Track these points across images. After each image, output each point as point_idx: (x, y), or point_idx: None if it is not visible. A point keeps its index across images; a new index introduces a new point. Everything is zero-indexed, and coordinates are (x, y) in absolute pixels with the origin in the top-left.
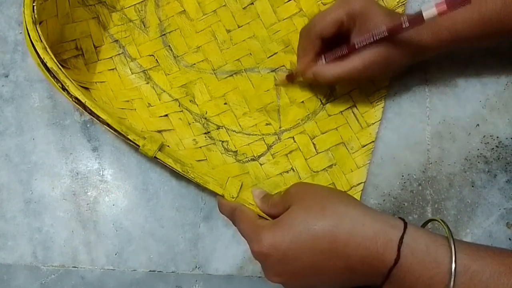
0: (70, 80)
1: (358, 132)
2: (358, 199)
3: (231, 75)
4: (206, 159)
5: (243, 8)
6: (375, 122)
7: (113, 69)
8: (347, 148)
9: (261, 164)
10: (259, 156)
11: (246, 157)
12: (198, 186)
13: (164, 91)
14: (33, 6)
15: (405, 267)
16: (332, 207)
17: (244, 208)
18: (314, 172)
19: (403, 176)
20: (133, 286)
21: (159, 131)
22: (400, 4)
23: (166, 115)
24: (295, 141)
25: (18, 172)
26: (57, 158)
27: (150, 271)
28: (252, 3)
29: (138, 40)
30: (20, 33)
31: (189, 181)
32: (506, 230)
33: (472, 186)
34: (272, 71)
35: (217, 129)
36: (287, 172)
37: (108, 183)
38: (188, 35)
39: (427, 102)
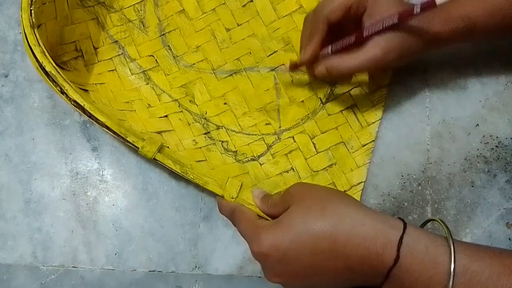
0: (69, 84)
1: (358, 132)
2: (358, 198)
3: (231, 74)
4: (206, 160)
5: (243, 6)
6: (375, 121)
7: (113, 70)
8: (347, 148)
9: (261, 164)
10: (259, 156)
11: (246, 157)
12: (198, 186)
13: (164, 91)
14: (31, 10)
15: (405, 267)
16: (332, 208)
17: (244, 209)
18: (314, 171)
19: (403, 176)
20: (133, 286)
21: (159, 132)
22: None
23: (166, 116)
24: (295, 141)
25: (18, 172)
26: (57, 158)
27: (150, 271)
28: (252, 1)
29: (137, 41)
30: (20, 33)
31: (188, 181)
32: (506, 230)
33: (472, 186)
34: (272, 70)
35: (217, 129)
36: (287, 172)
37: (108, 183)
38: (188, 35)
39: (427, 102)
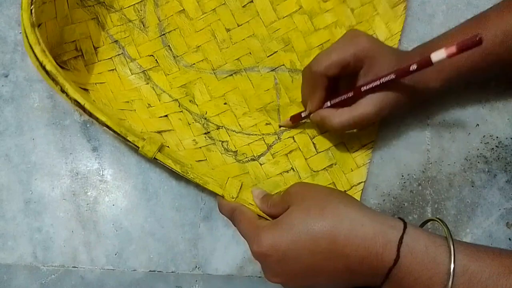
0: (69, 83)
1: (358, 132)
2: (358, 198)
3: (231, 74)
4: (206, 159)
5: (243, 7)
6: (376, 121)
7: (113, 69)
8: (347, 148)
9: (261, 164)
10: (259, 156)
11: (246, 157)
12: (198, 186)
13: (164, 91)
14: (31, 10)
15: (405, 267)
16: (332, 208)
17: (244, 209)
18: (314, 171)
19: (403, 176)
20: (133, 286)
21: (159, 132)
22: (401, 0)
23: (166, 116)
24: (295, 141)
25: (18, 172)
26: (57, 158)
27: (150, 271)
28: (252, 1)
29: (137, 40)
30: (20, 33)
31: (189, 181)
32: (506, 230)
33: (472, 186)
34: (272, 70)
35: (217, 129)
36: (287, 172)
37: (108, 183)
38: (188, 35)
39: (427, 102)
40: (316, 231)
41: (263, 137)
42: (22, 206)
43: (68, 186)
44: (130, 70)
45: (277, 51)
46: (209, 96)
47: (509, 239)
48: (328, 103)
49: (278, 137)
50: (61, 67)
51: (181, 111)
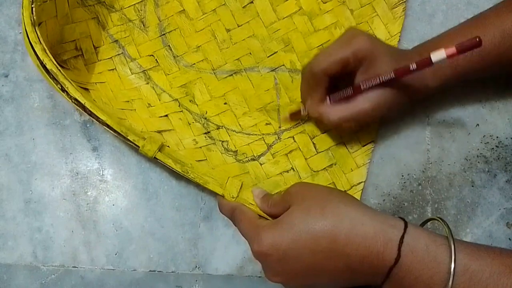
0: (70, 82)
1: (358, 132)
2: (359, 198)
3: (231, 74)
4: (206, 159)
5: (243, 7)
6: (375, 121)
7: (113, 69)
8: (347, 148)
9: (261, 164)
10: (259, 156)
11: (246, 157)
12: (198, 186)
13: (164, 91)
14: (32, 8)
15: (405, 267)
16: (332, 207)
17: (244, 208)
18: (314, 171)
19: (403, 176)
20: (133, 286)
21: (159, 132)
22: (401, 1)
23: (166, 115)
24: (295, 141)
25: (18, 172)
26: (57, 158)
27: (150, 271)
28: (252, 2)
29: (137, 40)
30: (20, 33)
31: (189, 180)
32: (506, 230)
33: (472, 186)
34: (272, 70)
35: (217, 129)
36: (287, 171)
37: (108, 183)
38: (188, 35)
39: (427, 102)
40: (316, 230)
41: (263, 137)
42: (22, 206)
43: (68, 186)
44: (130, 69)
45: (277, 52)
46: (209, 96)
47: (509, 239)
48: (328, 100)
49: (278, 137)
50: (61, 66)
51: (181, 111)
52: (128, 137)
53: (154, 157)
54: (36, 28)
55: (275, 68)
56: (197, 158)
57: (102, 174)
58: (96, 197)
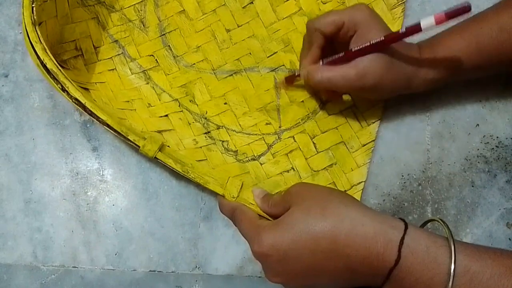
0: (70, 81)
1: (358, 131)
2: (359, 198)
3: (231, 74)
4: (207, 159)
5: (243, 8)
6: (375, 121)
7: (113, 69)
8: (347, 147)
9: (261, 164)
10: (260, 156)
11: (247, 157)
12: (198, 186)
13: (164, 91)
14: (32, 8)
15: (406, 268)
16: (332, 208)
17: (245, 208)
18: (314, 171)
19: (403, 176)
20: (133, 286)
21: (159, 131)
22: (400, 2)
23: (166, 115)
24: (295, 141)
25: (18, 172)
26: (57, 158)
27: (150, 271)
28: (252, 2)
29: (137, 40)
30: (20, 33)
31: (189, 181)
32: (506, 230)
33: (472, 186)
34: (271, 70)
35: (217, 129)
36: (288, 171)
37: (108, 183)
38: (188, 35)
39: (427, 102)
40: (317, 231)
41: (263, 137)
42: (22, 206)
43: (68, 186)
44: (130, 69)
45: (277, 52)
46: (209, 96)
47: (509, 239)
48: (320, 62)
49: (278, 137)
50: (61, 66)
51: (181, 111)
52: (129, 137)
53: (155, 157)
54: (37, 27)
55: (275, 68)
56: (197, 158)
57: (102, 174)
58: (96, 197)
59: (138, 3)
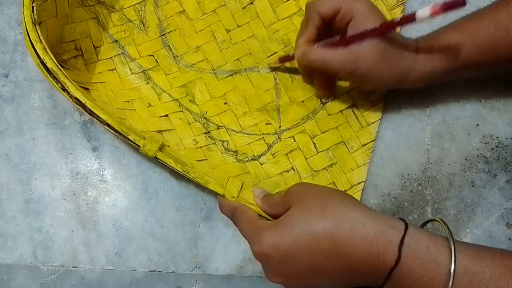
0: (70, 81)
1: (358, 131)
2: (359, 198)
3: (231, 75)
4: (207, 159)
5: (243, 8)
6: (375, 121)
7: (113, 69)
8: (347, 147)
9: (261, 164)
10: (260, 156)
11: (247, 157)
12: (198, 186)
13: (164, 91)
14: (33, 7)
15: (406, 268)
16: (333, 208)
17: (245, 208)
18: (314, 171)
19: (403, 176)
20: (133, 286)
21: (159, 131)
22: (399, 3)
23: (166, 115)
24: (295, 141)
25: (18, 172)
26: (57, 158)
27: (150, 271)
28: (252, 3)
29: (137, 40)
30: (20, 33)
31: (189, 181)
32: (506, 230)
33: (472, 186)
34: (272, 70)
35: (217, 129)
36: (288, 171)
37: (108, 183)
38: (188, 35)
39: (427, 102)
40: (317, 231)
41: (263, 137)
42: (22, 206)
43: (68, 186)
44: (130, 69)
45: (277, 52)
46: (209, 96)
47: (509, 239)
48: (316, 45)
49: (278, 137)
50: (61, 66)
51: (181, 111)
52: (129, 137)
53: (155, 157)
54: (37, 27)
55: (275, 68)
56: (197, 158)
57: (102, 174)
58: (96, 197)
59: (138, 3)
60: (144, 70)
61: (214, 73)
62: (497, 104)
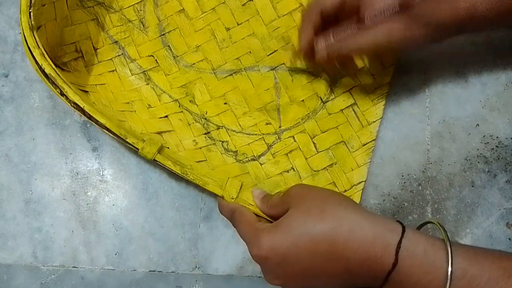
0: (69, 85)
1: (358, 131)
2: (359, 198)
3: (231, 74)
4: (206, 160)
5: (242, 5)
6: (376, 121)
7: (113, 70)
8: (347, 147)
9: (261, 164)
10: (259, 156)
11: (246, 157)
12: (198, 186)
13: (164, 91)
14: (30, 12)
15: (403, 271)
16: (331, 210)
17: (244, 210)
18: (314, 171)
19: (403, 176)
20: (133, 286)
21: (159, 133)
22: None
23: (166, 116)
24: (295, 141)
25: (18, 172)
26: (57, 158)
27: (150, 271)
28: (251, 0)
29: (137, 41)
30: (20, 33)
31: (189, 181)
32: (506, 230)
33: (472, 186)
34: (272, 69)
35: (217, 129)
36: (288, 171)
37: (108, 183)
38: (188, 35)
39: (427, 102)
40: (315, 233)
41: (263, 137)
42: (22, 206)
43: (68, 186)
44: (130, 70)
45: (277, 50)
46: (209, 96)
47: (509, 239)
48: (331, 36)
49: (278, 137)
50: (61, 68)
51: (181, 112)
52: (128, 140)
53: (154, 159)
54: (34, 32)
55: (275, 67)
56: (197, 159)
57: (102, 174)
58: (96, 197)
59: (138, 3)
60: (144, 71)
61: (214, 73)
62: (497, 104)
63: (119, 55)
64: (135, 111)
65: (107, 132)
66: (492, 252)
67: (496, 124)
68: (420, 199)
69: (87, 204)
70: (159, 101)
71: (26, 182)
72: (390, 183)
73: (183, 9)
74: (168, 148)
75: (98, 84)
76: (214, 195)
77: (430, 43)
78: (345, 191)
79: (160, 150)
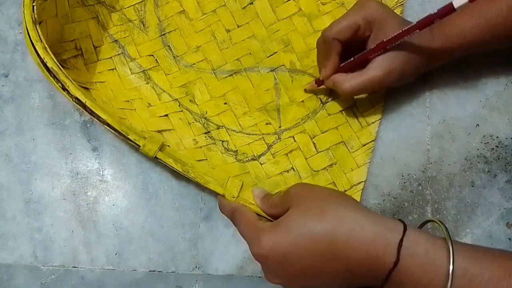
0: (70, 80)
1: (358, 131)
2: (359, 198)
3: (231, 74)
4: (207, 159)
5: (243, 8)
6: (375, 121)
7: (112, 69)
8: (347, 147)
9: (261, 164)
10: (259, 156)
11: (247, 157)
12: (198, 186)
13: (164, 91)
14: (33, 6)
15: (404, 270)
16: (332, 210)
17: (244, 209)
18: (314, 171)
19: (403, 176)
20: (133, 286)
21: (159, 131)
22: (398, 4)
23: (166, 115)
24: (295, 141)
25: (18, 172)
26: (57, 158)
27: (150, 271)
28: (252, 3)
29: (137, 40)
30: (20, 33)
31: (189, 180)
32: (506, 230)
33: (472, 186)
34: (271, 70)
35: (217, 128)
36: (288, 171)
37: (108, 183)
38: (188, 35)
39: (427, 102)
40: (316, 233)
41: (263, 137)
42: (22, 206)
43: (68, 186)
44: (130, 69)
45: (277, 52)
46: (209, 96)
47: (509, 239)
48: (346, 75)
49: (278, 137)
50: (61, 65)
51: (181, 111)
52: (129, 137)
53: (155, 157)
54: (37, 26)
55: (275, 68)
56: (197, 158)
57: (102, 174)
58: (96, 197)
59: (138, 3)
60: (144, 70)
61: (214, 73)
62: (497, 104)
63: (118, 54)
64: (135, 109)
65: (108, 128)
66: (492, 251)
67: (496, 124)
68: (420, 199)
69: (87, 204)
70: (159, 100)
71: (26, 182)
72: (390, 183)
73: (184, 10)
74: (168, 146)
75: (97, 82)
76: (214, 195)
77: (424, 70)
78: (345, 191)
79: (161, 148)
